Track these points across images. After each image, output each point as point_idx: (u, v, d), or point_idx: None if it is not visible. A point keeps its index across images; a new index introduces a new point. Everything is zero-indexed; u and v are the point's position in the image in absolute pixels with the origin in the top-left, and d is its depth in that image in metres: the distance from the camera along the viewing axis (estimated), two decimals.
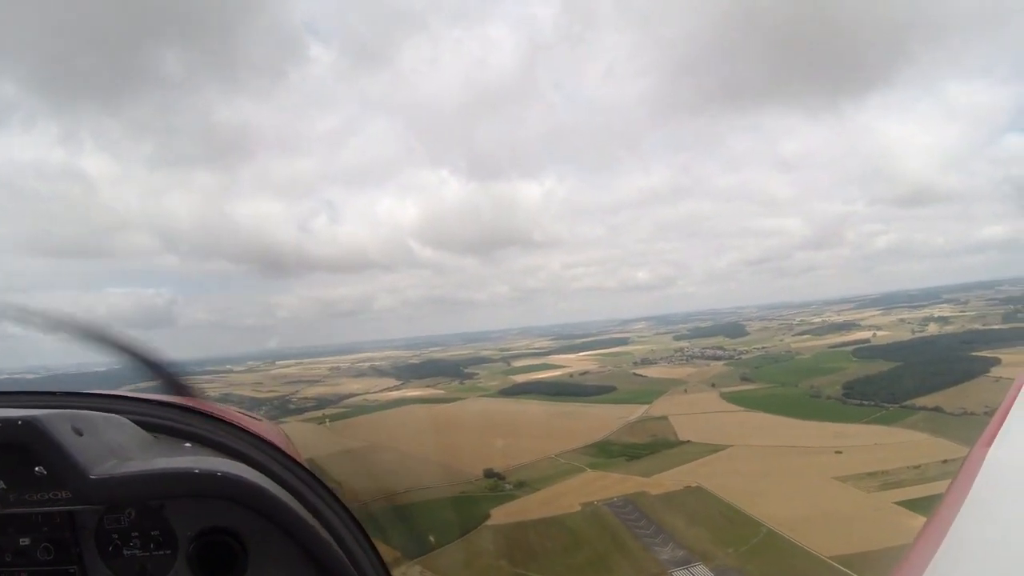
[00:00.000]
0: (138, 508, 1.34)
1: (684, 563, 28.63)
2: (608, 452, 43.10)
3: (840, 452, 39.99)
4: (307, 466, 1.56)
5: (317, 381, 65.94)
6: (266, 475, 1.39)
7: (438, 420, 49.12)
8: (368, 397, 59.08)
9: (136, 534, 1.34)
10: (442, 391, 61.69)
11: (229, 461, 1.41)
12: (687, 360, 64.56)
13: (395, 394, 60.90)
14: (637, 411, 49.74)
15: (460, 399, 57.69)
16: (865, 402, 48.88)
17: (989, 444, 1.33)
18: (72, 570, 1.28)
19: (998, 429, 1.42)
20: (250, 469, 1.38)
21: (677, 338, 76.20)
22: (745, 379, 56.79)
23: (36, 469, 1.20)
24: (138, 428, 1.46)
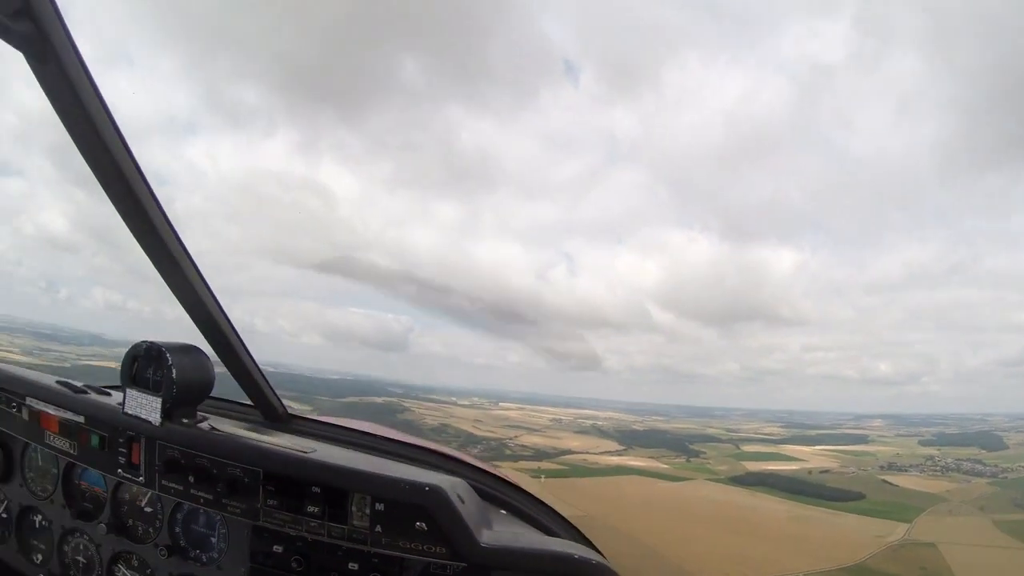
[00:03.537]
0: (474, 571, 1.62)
1: None
2: None
3: None
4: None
5: (537, 430, 65.37)
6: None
7: (665, 501, 46.00)
8: (588, 457, 56.72)
9: None
10: (666, 466, 58.33)
11: (581, 546, 1.77)
12: (942, 472, 59.11)
13: (616, 459, 58.79)
14: (896, 530, 46.25)
15: (687, 479, 54.58)
16: None
17: None
18: None
19: None
20: (592, 551, 1.77)
21: (922, 443, 69.54)
22: (1019, 506, 50.99)
23: (417, 524, 1.52)
24: (475, 493, 1.85)
